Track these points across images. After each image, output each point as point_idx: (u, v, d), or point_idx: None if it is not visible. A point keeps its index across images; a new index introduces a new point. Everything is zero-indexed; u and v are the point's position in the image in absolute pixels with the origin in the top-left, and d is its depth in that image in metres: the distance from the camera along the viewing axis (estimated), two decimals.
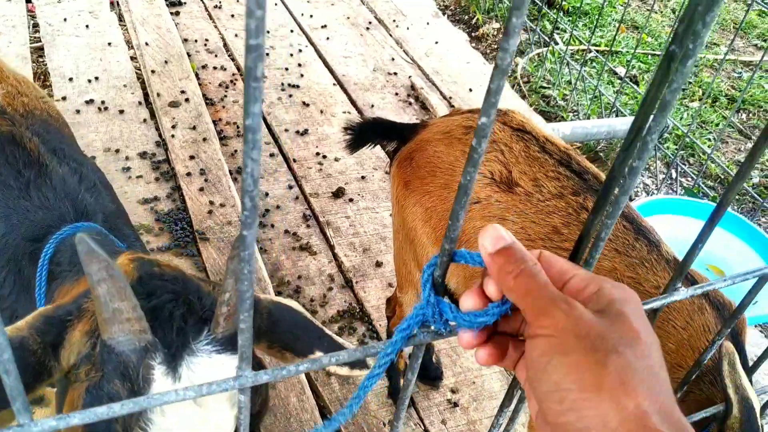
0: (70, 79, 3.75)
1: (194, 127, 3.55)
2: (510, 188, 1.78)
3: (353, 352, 0.70)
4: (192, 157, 3.36)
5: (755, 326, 3.23)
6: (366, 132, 2.19)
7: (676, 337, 1.64)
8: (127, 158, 3.33)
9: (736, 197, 4.71)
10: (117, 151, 3.36)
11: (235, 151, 3.52)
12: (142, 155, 3.37)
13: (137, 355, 0.91)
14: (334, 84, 4.14)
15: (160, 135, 3.53)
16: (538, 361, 0.61)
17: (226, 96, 3.88)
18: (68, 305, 1.04)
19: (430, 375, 2.58)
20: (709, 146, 4.74)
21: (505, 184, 1.79)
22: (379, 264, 3.02)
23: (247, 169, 0.46)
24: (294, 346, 1.14)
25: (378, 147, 3.62)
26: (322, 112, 3.88)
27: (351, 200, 3.32)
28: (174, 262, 1.21)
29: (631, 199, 3.43)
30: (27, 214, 1.48)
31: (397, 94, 4.14)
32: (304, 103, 3.91)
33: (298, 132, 3.69)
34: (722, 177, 4.83)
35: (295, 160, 3.49)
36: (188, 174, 3.26)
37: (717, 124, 5.08)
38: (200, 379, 0.94)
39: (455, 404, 2.54)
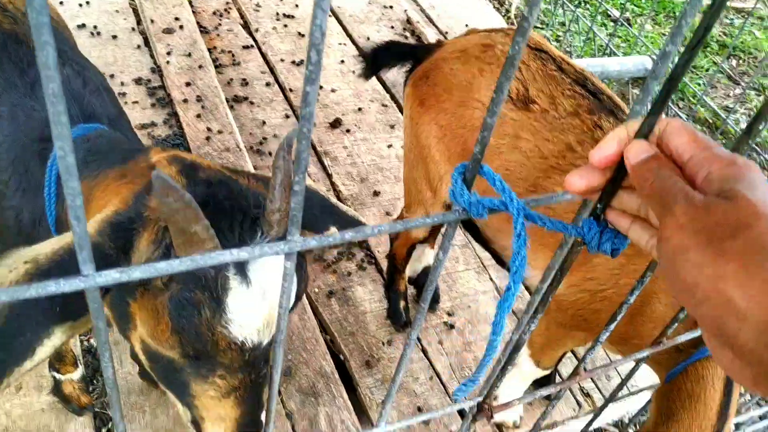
0: (61, 3, 3.66)
1: (189, 54, 3.51)
2: (526, 106, 1.80)
3: (426, 219, 0.69)
4: (188, 84, 3.33)
5: None
6: (382, 56, 2.19)
7: None
8: (122, 84, 3.29)
9: (724, 141, 4.78)
10: (111, 76, 3.31)
11: (231, 79, 3.48)
12: (138, 81, 3.33)
13: (214, 269, 0.98)
14: (329, 15, 4.09)
15: (154, 62, 3.48)
16: (665, 264, 0.61)
17: (220, 24, 3.82)
18: (127, 212, 1.04)
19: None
20: (700, 90, 4.78)
21: (521, 101, 1.80)
22: (376, 193, 3.05)
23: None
24: (314, 226, 1.18)
25: (374, 79, 3.62)
26: None
27: (348, 131, 3.33)
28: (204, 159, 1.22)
29: None
30: (33, 113, 1.46)
31: (392, 27, 4.11)
32: (299, 33, 3.87)
33: (294, 62, 3.66)
34: (711, 121, 4.89)
35: (291, 90, 3.47)
36: (185, 100, 3.24)
37: (707, 69, 5.12)
38: (267, 280, 1.01)
39: (451, 326, 2.62)
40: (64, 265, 0.94)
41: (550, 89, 1.80)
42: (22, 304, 0.91)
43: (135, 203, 1.06)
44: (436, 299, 2.67)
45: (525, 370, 2.14)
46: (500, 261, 2.07)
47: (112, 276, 0.54)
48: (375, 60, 2.19)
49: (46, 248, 0.97)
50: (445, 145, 1.91)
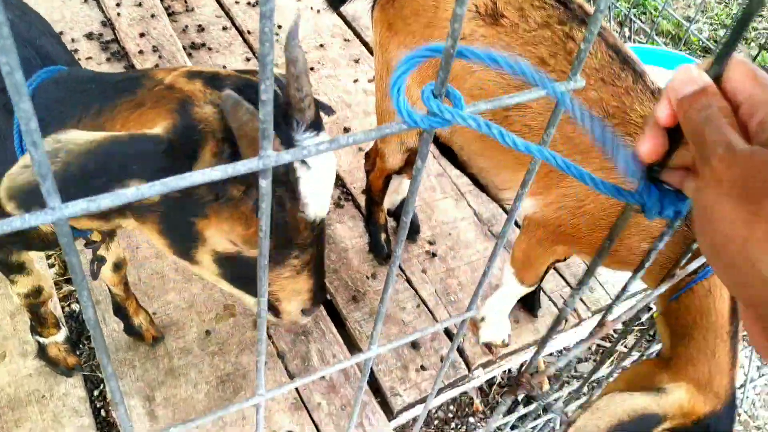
0: None
1: (140, 4, 3.38)
2: (495, 20, 1.75)
3: (402, 125, 0.67)
4: (142, 35, 3.21)
5: None
6: None
7: None
8: (72, 40, 3.16)
9: (688, 51, 4.78)
10: (61, 33, 3.18)
11: (186, 26, 3.37)
12: (89, 36, 3.21)
13: (283, 166, 1.07)
14: None
15: (104, 15, 3.34)
16: (697, 220, 0.56)
17: None
18: (178, 125, 1.07)
19: (409, 229, 2.64)
20: (661, 1, 4.74)
21: (490, 16, 1.76)
22: (346, 129, 3.01)
23: None
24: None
25: (334, 15, 3.53)
26: None
27: (312, 69, 3.25)
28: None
29: None
30: None
31: None
32: None
33: (249, 3, 3.54)
34: (674, 33, 4.88)
35: (249, 32, 3.37)
36: (140, 52, 3.13)
37: None
38: (320, 162, 1.15)
39: (433, 254, 2.63)
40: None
41: (518, 1, 1.76)
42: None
43: (182, 118, 1.08)
44: (416, 229, 2.67)
45: (510, 288, 2.16)
46: (479, 185, 2.06)
47: (80, 206, 0.51)
48: None
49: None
50: (416, 68, 1.87)
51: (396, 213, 2.64)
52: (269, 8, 0.47)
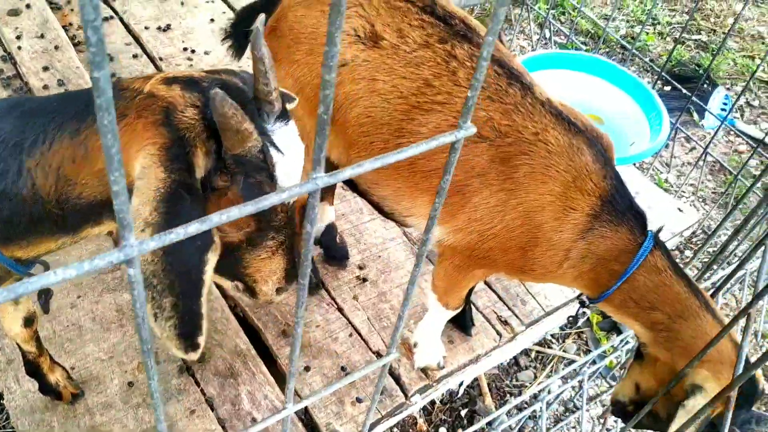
0: None
1: (42, 36, 3.22)
2: (375, 43, 1.71)
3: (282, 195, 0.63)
4: (46, 69, 3.06)
5: (633, 164, 3.43)
6: (242, 26, 2.05)
7: (562, 180, 1.68)
8: None
9: (607, 49, 4.87)
10: None
11: None
12: None
13: (261, 152, 1.22)
14: None
15: (3, 48, 3.17)
16: None
17: None
18: (171, 141, 1.16)
19: (337, 255, 2.59)
20: (578, 2, 4.83)
21: (370, 39, 1.72)
22: None
23: None
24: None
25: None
26: (182, 3, 3.60)
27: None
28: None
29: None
30: None
31: None
32: None
33: (159, 28, 3.42)
34: (592, 32, 4.96)
35: (161, 59, 3.25)
36: (45, 87, 2.98)
37: None
38: (290, 143, 1.29)
39: (364, 279, 2.58)
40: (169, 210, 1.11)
41: (396, 21, 1.72)
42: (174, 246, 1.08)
43: (170, 131, 1.16)
44: (345, 255, 2.62)
45: (436, 313, 2.13)
46: (382, 211, 2.03)
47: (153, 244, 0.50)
48: (238, 35, 2.06)
49: (143, 211, 1.10)
50: (305, 98, 1.82)
51: (322, 241, 2.58)
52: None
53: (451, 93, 1.69)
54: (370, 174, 1.88)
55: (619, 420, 2.19)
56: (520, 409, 2.94)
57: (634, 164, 3.46)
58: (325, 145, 0.55)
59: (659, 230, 1.76)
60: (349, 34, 1.72)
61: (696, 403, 1.60)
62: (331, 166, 2.00)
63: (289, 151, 1.27)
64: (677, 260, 1.91)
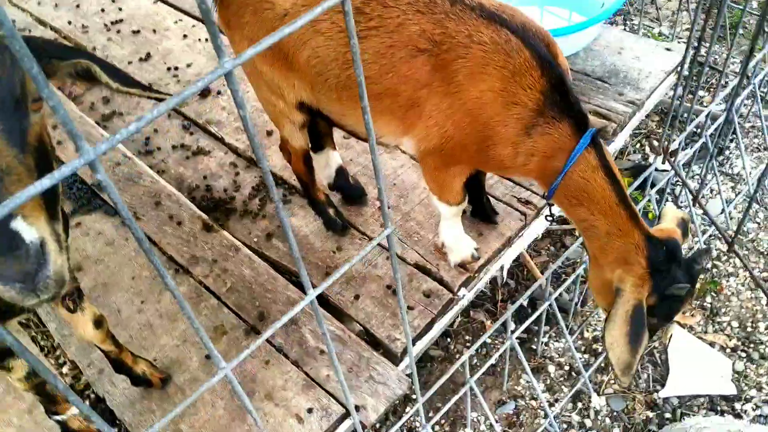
0: None
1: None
2: None
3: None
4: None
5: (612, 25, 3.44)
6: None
7: (500, 76, 1.76)
8: None
9: None
10: None
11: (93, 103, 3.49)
12: None
13: None
14: (154, 1, 4.06)
15: None
16: None
17: None
18: None
19: (354, 194, 2.75)
20: None
21: None
22: (269, 133, 3.12)
23: None
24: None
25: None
26: (154, 31, 3.83)
27: (219, 93, 3.37)
28: None
29: None
30: None
31: None
32: (133, 31, 3.85)
33: (141, 59, 3.66)
34: None
35: (150, 84, 3.48)
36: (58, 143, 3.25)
37: None
38: None
39: (388, 207, 2.73)
40: None
41: None
42: None
43: None
44: (362, 193, 2.77)
45: (444, 212, 2.28)
46: (357, 136, 2.20)
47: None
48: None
49: None
50: (262, 54, 1.98)
51: (336, 185, 2.75)
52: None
53: (382, 15, 1.82)
54: (335, 107, 2.05)
55: None
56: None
57: (615, 24, 3.49)
58: (218, 34, 0.69)
59: (599, 130, 1.82)
60: None
61: (622, 311, 1.77)
62: (306, 109, 2.16)
63: None
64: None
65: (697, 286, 2.65)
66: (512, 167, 1.89)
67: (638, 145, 3.69)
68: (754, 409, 2.76)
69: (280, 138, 2.48)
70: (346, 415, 2.14)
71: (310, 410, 2.15)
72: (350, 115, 2.05)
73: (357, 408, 2.14)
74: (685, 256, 1.86)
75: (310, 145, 2.45)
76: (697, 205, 2.67)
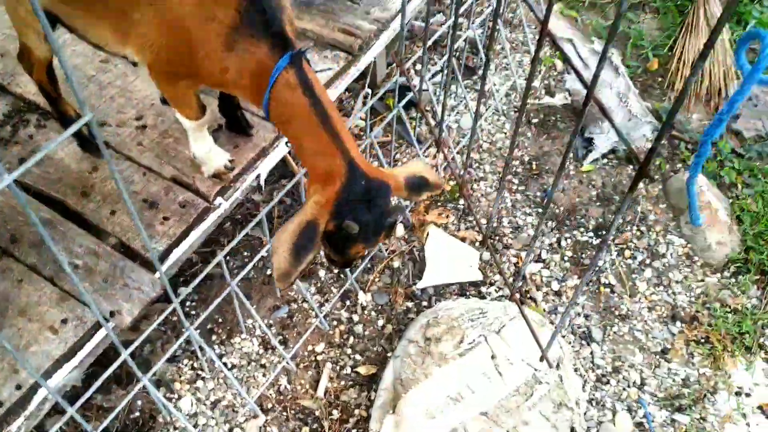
0: None
1: None
2: None
3: None
4: None
5: None
6: None
7: None
8: None
9: None
10: None
11: None
12: None
13: None
14: None
15: None
16: None
17: None
18: None
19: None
20: None
21: None
22: None
23: None
24: None
25: None
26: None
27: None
28: None
29: None
30: None
31: None
32: None
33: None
34: None
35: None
36: None
37: None
38: None
39: (144, 126, 2.79)
40: None
41: None
42: None
43: None
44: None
45: (188, 126, 2.38)
46: (88, 41, 2.22)
47: None
48: None
49: None
50: None
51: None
52: None
53: None
54: (62, 9, 2.08)
55: None
56: None
57: None
58: None
59: (303, 51, 1.86)
60: None
61: (297, 219, 1.80)
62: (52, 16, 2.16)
63: None
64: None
65: (389, 240, 2.90)
66: (229, 84, 1.94)
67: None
68: (496, 291, 3.21)
69: (20, 48, 2.45)
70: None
71: (64, 321, 2.22)
72: (77, 19, 2.08)
73: (113, 313, 2.25)
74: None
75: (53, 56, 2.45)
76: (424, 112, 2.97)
